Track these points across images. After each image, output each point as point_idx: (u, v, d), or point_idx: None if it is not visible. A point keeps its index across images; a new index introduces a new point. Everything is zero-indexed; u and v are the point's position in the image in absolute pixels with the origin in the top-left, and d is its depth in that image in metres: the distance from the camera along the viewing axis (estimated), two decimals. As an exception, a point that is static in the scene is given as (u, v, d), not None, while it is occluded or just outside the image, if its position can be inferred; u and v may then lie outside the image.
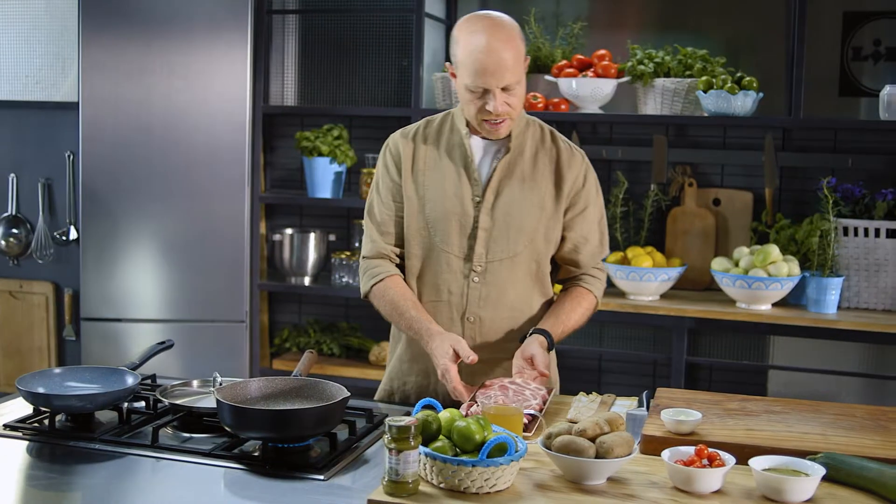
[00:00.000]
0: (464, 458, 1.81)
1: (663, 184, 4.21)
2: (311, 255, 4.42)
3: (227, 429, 2.13)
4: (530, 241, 2.49)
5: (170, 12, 4.02)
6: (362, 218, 4.38)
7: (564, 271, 2.63)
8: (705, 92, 3.87)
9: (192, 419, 2.28)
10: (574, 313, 2.56)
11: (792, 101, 4.09)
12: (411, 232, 2.54)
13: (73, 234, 4.48)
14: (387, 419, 1.80)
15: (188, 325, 4.17)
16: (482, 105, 2.38)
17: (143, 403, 2.40)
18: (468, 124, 2.49)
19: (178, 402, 2.34)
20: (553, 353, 2.61)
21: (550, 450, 1.90)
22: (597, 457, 1.87)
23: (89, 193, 4.11)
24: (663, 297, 3.99)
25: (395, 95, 4.53)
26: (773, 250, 3.78)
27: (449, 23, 4.49)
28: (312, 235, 4.42)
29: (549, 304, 2.60)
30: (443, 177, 2.50)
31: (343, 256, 4.39)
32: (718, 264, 3.90)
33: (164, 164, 4.09)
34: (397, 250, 2.58)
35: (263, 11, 4.26)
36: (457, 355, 2.36)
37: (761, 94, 3.89)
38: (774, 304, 3.86)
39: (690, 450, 1.93)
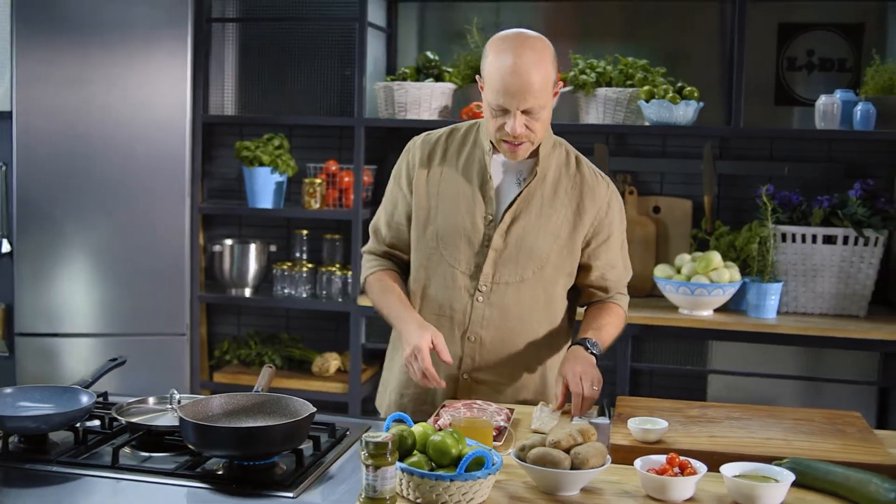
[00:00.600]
0: (441, 472, 1.80)
1: (604, 192, 4.25)
2: (252, 266, 4.36)
3: (191, 447, 2.08)
4: (540, 267, 2.44)
5: (108, 20, 3.93)
6: (303, 228, 4.41)
7: (590, 295, 2.59)
8: (647, 101, 3.92)
9: (151, 438, 2.22)
10: (608, 327, 2.53)
11: (732, 110, 4.18)
12: (420, 241, 2.50)
13: (5, 248, 4.34)
14: (363, 435, 1.78)
15: (127, 338, 4.07)
16: (501, 125, 2.33)
17: (97, 423, 2.33)
18: (491, 142, 2.44)
19: (135, 420, 2.28)
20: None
21: (525, 461, 1.89)
22: (572, 468, 1.87)
23: (24, 205, 3.99)
24: (607, 304, 4.02)
25: (338, 105, 4.50)
26: (715, 257, 3.85)
27: (389, 31, 4.48)
28: (253, 246, 4.37)
29: (556, 334, 2.55)
30: (457, 191, 2.45)
31: (285, 267, 4.34)
32: (661, 271, 3.95)
33: (103, 174, 3.99)
34: (393, 252, 2.57)
35: (203, 19, 4.19)
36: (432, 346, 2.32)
37: (702, 104, 3.96)
38: (716, 310, 3.93)
39: (662, 458, 1.95)
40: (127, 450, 2.18)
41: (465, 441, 1.90)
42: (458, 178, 2.45)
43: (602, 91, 4.02)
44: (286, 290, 4.33)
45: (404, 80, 4.18)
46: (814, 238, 3.91)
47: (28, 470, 2.08)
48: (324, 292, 4.33)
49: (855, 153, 4.18)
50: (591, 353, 2.43)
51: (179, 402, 2.33)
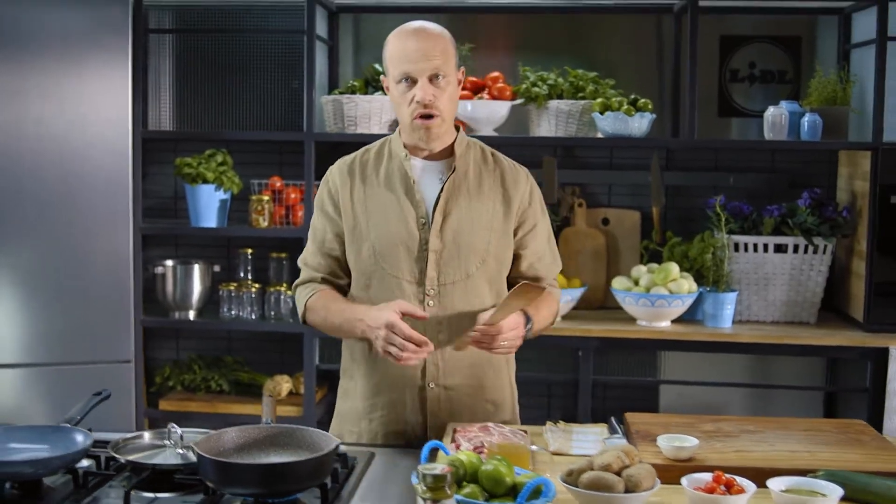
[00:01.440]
0: (499, 503, 1.73)
1: (554, 205, 4.24)
2: (196, 288, 4.18)
3: (209, 485, 1.96)
4: (482, 261, 2.43)
5: (42, 31, 3.69)
6: (247, 247, 4.26)
7: None
8: (602, 114, 3.92)
9: (154, 477, 2.08)
10: (543, 308, 2.50)
11: (679, 121, 4.23)
12: (360, 263, 2.46)
13: (-71, 274, 4.05)
14: (420, 468, 1.69)
15: (67, 367, 3.83)
16: (411, 98, 2.35)
17: (91, 462, 2.18)
18: (406, 146, 2.45)
19: (133, 458, 2.13)
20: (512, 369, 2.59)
21: (576, 486, 1.84)
22: (626, 491, 1.83)
23: (-48, 228, 3.73)
24: (564, 318, 4.00)
25: (284, 119, 4.38)
26: (674, 268, 3.87)
27: (332, 43, 4.38)
28: (196, 267, 4.19)
29: None
30: (384, 203, 2.44)
31: (231, 288, 4.18)
32: (619, 284, 3.95)
33: (37, 193, 3.74)
34: (328, 278, 2.51)
35: (141, 31, 4.01)
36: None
37: (653, 116, 3.98)
38: (672, 321, 3.95)
39: (705, 476, 1.92)
40: (132, 492, 2.03)
41: (513, 468, 1.83)
42: (381, 190, 2.45)
43: (554, 104, 4.00)
44: (233, 312, 4.17)
45: (353, 93, 4.08)
46: (765, 247, 3.97)
47: (29, 519, 1.92)
48: (272, 313, 4.18)
49: (798, 163, 4.27)
50: (526, 329, 2.42)
51: (181, 437, 2.19)
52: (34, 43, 3.71)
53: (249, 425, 2.13)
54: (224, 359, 4.40)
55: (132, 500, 1.97)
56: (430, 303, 2.41)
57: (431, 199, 2.43)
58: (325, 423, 3.33)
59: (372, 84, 4.15)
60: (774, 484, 1.90)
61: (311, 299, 2.50)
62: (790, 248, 3.95)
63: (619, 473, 1.85)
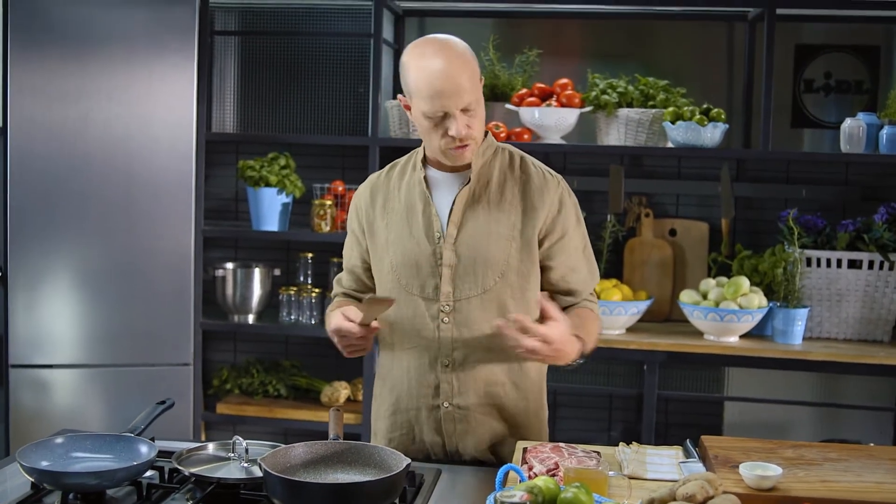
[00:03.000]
0: (582, 533, 1.65)
1: (620, 214, 4.15)
2: (256, 291, 4.15)
3: (276, 503, 1.91)
4: (502, 275, 2.33)
5: (108, 32, 3.70)
6: (307, 251, 4.23)
7: (559, 302, 2.44)
8: (673, 123, 3.83)
9: (219, 491, 2.04)
10: (590, 328, 2.39)
11: (751, 132, 4.13)
12: (382, 279, 2.41)
13: (-5, 273, 4.07)
14: (498, 495, 1.63)
15: (127, 369, 3.84)
16: (444, 131, 2.24)
17: (154, 473, 2.14)
18: (424, 158, 2.38)
19: (196, 470, 2.09)
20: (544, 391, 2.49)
21: (658, 518, 1.76)
22: (709, 524, 1.74)
23: (17, 227, 3.73)
24: (629, 330, 3.92)
25: (347, 123, 4.34)
26: (744, 282, 3.76)
27: (397, 46, 4.33)
28: (257, 270, 4.16)
29: None
30: (404, 218, 2.37)
31: (291, 292, 4.14)
32: (688, 297, 3.85)
33: (102, 195, 3.75)
34: (353, 294, 2.52)
35: (207, 33, 3.99)
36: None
37: (727, 126, 3.88)
38: (741, 336, 3.84)
39: (792, 510, 1.83)
40: (194, 505, 2.00)
41: (592, 496, 1.76)
42: (401, 206, 2.38)
43: (624, 112, 3.92)
44: (292, 317, 4.13)
45: (418, 98, 4.02)
46: (839, 262, 3.85)
47: (93, 532, 1.89)
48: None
49: (873, 176, 4.14)
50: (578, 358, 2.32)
51: (247, 450, 2.15)
52: (101, 44, 3.72)
53: (317, 441, 2.08)
54: (282, 363, 4.37)
55: (195, 514, 1.93)
56: (446, 319, 2.33)
57: (447, 211, 2.35)
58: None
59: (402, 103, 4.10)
60: (866, 520, 1.81)
61: (327, 313, 2.49)
62: (865, 264, 3.83)
63: (702, 504, 1.77)
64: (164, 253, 3.83)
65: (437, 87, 2.20)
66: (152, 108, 3.76)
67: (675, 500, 1.79)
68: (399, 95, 2.34)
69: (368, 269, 2.47)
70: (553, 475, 2.06)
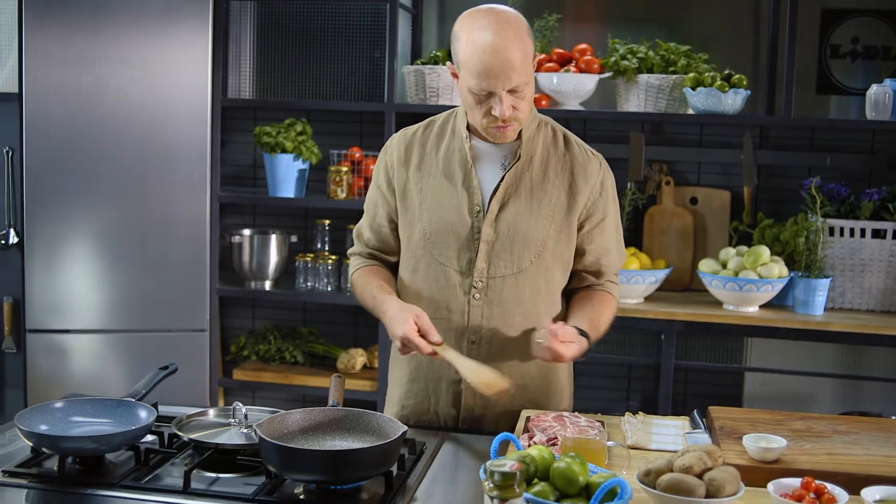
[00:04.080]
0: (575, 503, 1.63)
1: (640, 182, 4.09)
2: (273, 258, 4.15)
3: (271, 470, 1.90)
4: (537, 255, 2.29)
5: (122, -2, 3.70)
6: (324, 218, 4.21)
7: (583, 280, 2.44)
8: (693, 89, 3.76)
9: (216, 456, 2.03)
10: (603, 319, 2.37)
11: (774, 98, 4.04)
12: (411, 245, 2.36)
13: (12, 238, 4.09)
14: (487, 464, 1.60)
15: (143, 335, 3.85)
16: (487, 109, 2.18)
17: (154, 438, 2.14)
18: (469, 126, 2.30)
19: (196, 436, 2.08)
20: (570, 369, 2.47)
21: (654, 488, 1.73)
22: (706, 495, 1.71)
23: (33, 193, 3.74)
24: (647, 299, 3.87)
25: (364, 88, 4.30)
26: (764, 252, 3.70)
27: (415, 12, 4.28)
28: (274, 237, 4.15)
29: None
30: (441, 185, 2.31)
31: (308, 259, 4.13)
32: (707, 266, 3.79)
33: (117, 160, 3.75)
34: (377, 254, 2.45)
35: (222, -2, 3.97)
36: (418, 330, 2.16)
37: (748, 92, 3.80)
38: (761, 306, 3.78)
39: (793, 482, 1.80)
40: (194, 471, 1.99)
41: (587, 466, 1.73)
42: (439, 171, 2.31)
43: (644, 77, 3.85)
44: (309, 284, 4.13)
45: (435, 63, 3.98)
46: (862, 232, 3.77)
47: (90, 496, 1.88)
48: (348, 285, 4.12)
49: (899, 144, 4.06)
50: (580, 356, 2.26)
51: (246, 416, 2.14)
52: (116, 9, 3.70)
53: (315, 408, 2.07)
54: (299, 330, 4.37)
55: (193, 479, 1.93)
56: (477, 295, 2.29)
57: (490, 186, 2.28)
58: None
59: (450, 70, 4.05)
60: (869, 493, 1.77)
61: (354, 275, 2.44)
62: (889, 234, 3.75)
63: (700, 476, 1.74)
64: (179, 219, 3.83)
65: (485, 64, 2.12)
66: (167, 73, 3.75)
67: (672, 471, 1.76)
68: (448, 63, 2.27)
69: (396, 230, 2.40)
70: (553, 444, 2.04)
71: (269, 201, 4.16)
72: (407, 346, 2.18)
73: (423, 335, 2.16)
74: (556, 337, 2.14)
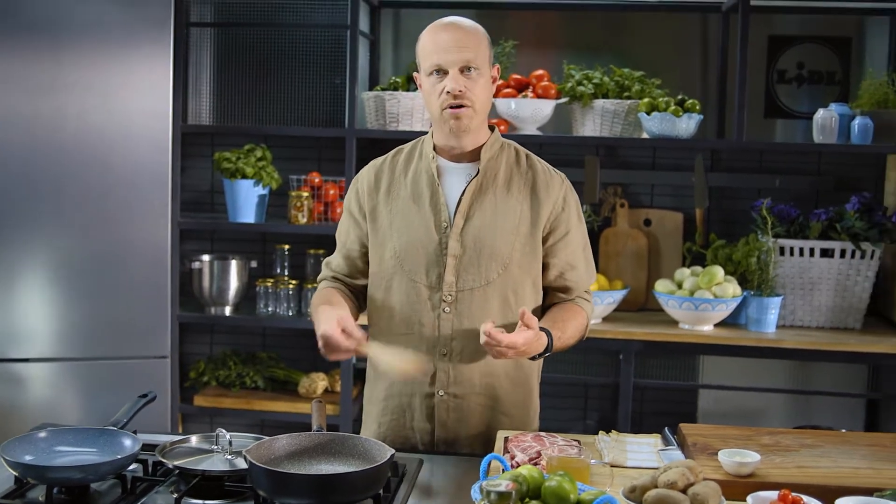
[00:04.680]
0: (567, 522, 1.68)
1: (595, 204, 4.18)
2: (233, 283, 4.15)
3: (261, 495, 1.92)
4: (504, 268, 2.36)
5: (82, 24, 3.65)
6: (283, 243, 4.23)
7: (553, 298, 2.51)
8: (648, 114, 3.86)
9: (201, 483, 2.04)
10: (570, 324, 2.42)
11: (724, 122, 4.17)
12: (383, 265, 2.43)
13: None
14: (483, 484, 1.64)
15: (102, 363, 3.81)
16: (441, 89, 2.30)
17: (137, 466, 2.14)
18: (435, 147, 2.40)
19: (180, 463, 2.09)
20: (537, 384, 2.53)
21: (640, 505, 1.79)
22: (691, 510, 1.77)
23: (-9, 220, 3.71)
24: (605, 319, 3.95)
25: (322, 114, 4.33)
26: (718, 272, 3.80)
27: (373, 38, 4.33)
28: (234, 262, 4.15)
29: None
30: (409, 205, 2.40)
31: (268, 284, 4.14)
32: (663, 286, 3.89)
33: (78, 187, 3.72)
34: (343, 278, 2.51)
35: (182, 24, 3.96)
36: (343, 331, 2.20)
37: (701, 116, 3.91)
38: (715, 325, 3.88)
39: (771, 495, 1.87)
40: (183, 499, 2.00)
41: (575, 484, 1.78)
42: (407, 192, 2.41)
43: (599, 103, 3.94)
44: (269, 309, 4.13)
45: (395, 89, 4.03)
46: (811, 251, 3.89)
47: (78, 526, 1.89)
48: (309, 310, 4.14)
49: (844, 166, 4.20)
50: (546, 349, 2.32)
51: (230, 442, 2.15)
52: (76, 36, 3.68)
53: (300, 433, 2.10)
54: (259, 355, 4.36)
55: (180, 507, 1.94)
56: (447, 309, 2.35)
57: (455, 202, 2.38)
58: (359, 422, 3.30)
59: (415, 81, 4.10)
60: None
61: (314, 297, 2.50)
62: (837, 253, 3.88)
63: (684, 491, 1.80)
64: (140, 245, 3.81)
65: (437, 42, 2.30)
66: (128, 100, 3.73)
67: (656, 486, 1.82)
68: (415, 73, 2.41)
69: (366, 254, 2.47)
70: (535, 464, 2.09)
71: (228, 226, 4.16)
72: (328, 345, 2.21)
73: (347, 335, 2.20)
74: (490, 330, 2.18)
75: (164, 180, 3.80)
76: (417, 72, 2.39)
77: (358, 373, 4.20)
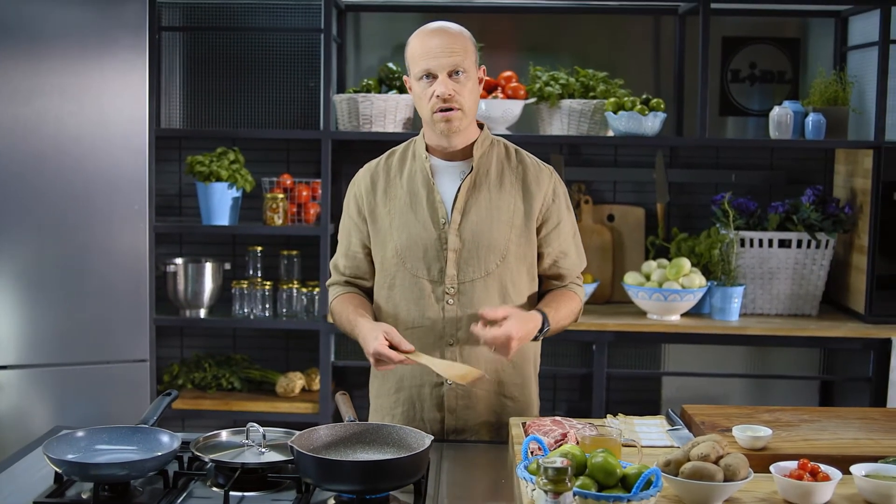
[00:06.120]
0: (618, 493, 1.78)
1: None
2: (208, 286, 4.17)
3: (308, 482, 1.98)
4: (502, 259, 2.48)
5: (58, 30, 3.63)
6: (256, 245, 4.26)
7: (548, 285, 2.63)
8: (615, 113, 4.00)
9: (244, 476, 2.09)
10: (563, 305, 2.55)
11: (682, 120, 4.34)
12: (385, 263, 2.53)
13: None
14: (540, 460, 1.74)
15: (81, 367, 3.79)
16: (431, 93, 2.39)
17: (174, 462, 2.18)
18: (427, 147, 2.51)
19: (214, 456, 2.14)
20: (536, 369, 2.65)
21: (676, 477, 1.90)
22: (724, 480, 1.89)
23: (-32, 227, 3.66)
24: (576, 312, 4.07)
25: (293, 117, 4.38)
26: (685, 263, 3.96)
27: (340, 41, 4.39)
28: (209, 265, 4.17)
29: None
30: (407, 204, 2.50)
31: (243, 286, 4.17)
32: (632, 279, 4.03)
33: (56, 193, 3.69)
34: (354, 280, 2.61)
35: (154, 28, 3.97)
36: (390, 344, 2.33)
37: (665, 115, 4.07)
38: (682, 315, 4.04)
39: (791, 465, 2.00)
40: (217, 490, 2.05)
41: (619, 460, 1.89)
42: (404, 193, 2.52)
43: (566, 103, 4.07)
44: (245, 310, 4.16)
45: (368, 91, 4.10)
46: (770, 242, 4.08)
47: (129, 520, 1.93)
48: (284, 310, 4.19)
49: (795, 161, 4.40)
50: (540, 331, 2.47)
51: (264, 436, 2.21)
52: (52, 42, 3.66)
53: (337, 423, 2.17)
54: (233, 357, 4.39)
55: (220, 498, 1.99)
56: (451, 301, 2.46)
57: (451, 199, 2.48)
58: (339, 419, 3.36)
59: (386, 83, 4.18)
60: (857, 470, 1.98)
61: (333, 303, 2.60)
62: (794, 244, 4.07)
63: (716, 462, 1.92)
64: (117, 250, 3.80)
65: (425, 48, 2.39)
66: (105, 105, 3.72)
67: (689, 460, 1.93)
68: (405, 77, 2.48)
69: (369, 254, 2.56)
70: (560, 446, 2.19)
71: (201, 230, 4.18)
72: (379, 360, 2.33)
73: (395, 347, 2.32)
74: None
75: (140, 185, 3.80)
76: (406, 75, 2.48)
77: (337, 371, 4.26)
